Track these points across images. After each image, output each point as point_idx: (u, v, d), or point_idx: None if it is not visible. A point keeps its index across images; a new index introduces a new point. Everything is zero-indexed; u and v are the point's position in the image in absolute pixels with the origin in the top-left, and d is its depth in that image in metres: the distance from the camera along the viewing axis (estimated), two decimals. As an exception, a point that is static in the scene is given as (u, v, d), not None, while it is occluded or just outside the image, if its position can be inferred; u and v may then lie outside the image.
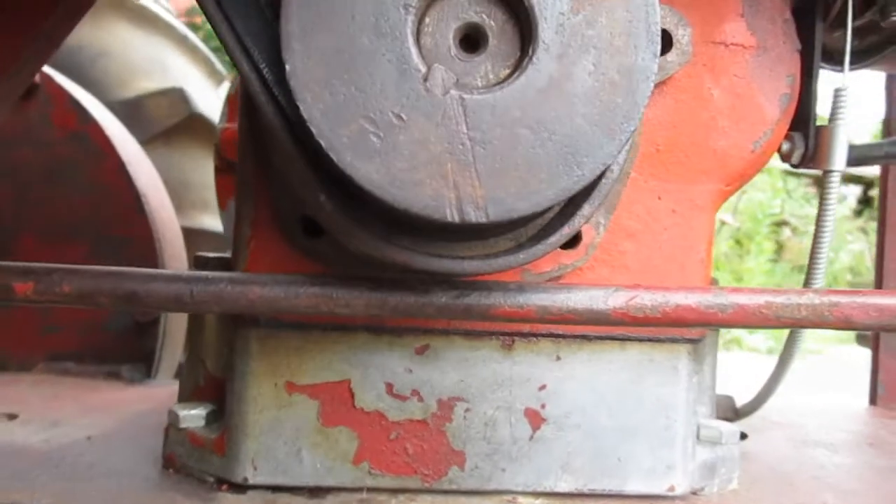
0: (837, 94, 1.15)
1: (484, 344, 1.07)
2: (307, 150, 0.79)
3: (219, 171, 1.65)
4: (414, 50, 0.73)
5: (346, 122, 0.72)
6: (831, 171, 1.16)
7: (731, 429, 1.17)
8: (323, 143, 0.72)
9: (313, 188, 0.81)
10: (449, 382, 1.06)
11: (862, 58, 1.35)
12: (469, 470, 1.07)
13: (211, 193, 1.89)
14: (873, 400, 1.96)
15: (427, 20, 0.75)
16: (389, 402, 1.06)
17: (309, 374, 1.06)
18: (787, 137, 1.16)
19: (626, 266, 1.08)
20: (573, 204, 0.85)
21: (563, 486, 1.08)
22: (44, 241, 1.89)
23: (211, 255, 1.20)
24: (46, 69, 1.95)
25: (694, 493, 1.12)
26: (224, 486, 1.08)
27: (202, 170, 2.35)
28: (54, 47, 1.07)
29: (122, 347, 1.91)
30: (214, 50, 2.80)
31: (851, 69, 1.38)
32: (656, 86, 1.05)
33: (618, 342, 1.08)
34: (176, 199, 2.32)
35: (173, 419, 1.14)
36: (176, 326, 1.98)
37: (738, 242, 8.40)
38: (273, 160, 0.98)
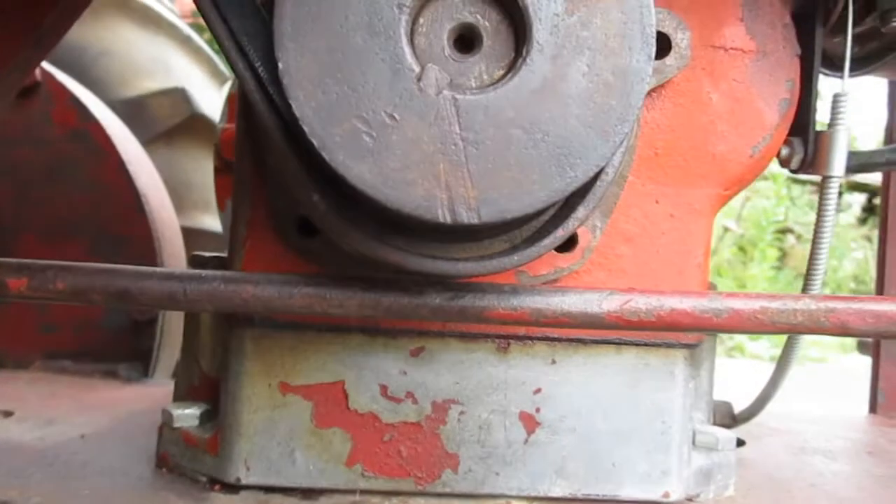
0: (837, 99, 1.15)
1: (479, 346, 1.06)
2: (301, 149, 0.79)
3: (218, 171, 1.65)
4: (407, 49, 0.73)
5: (339, 121, 0.72)
6: (830, 177, 1.16)
7: (727, 435, 1.17)
8: (315, 142, 0.72)
9: (307, 188, 0.81)
10: (443, 385, 1.06)
11: (863, 64, 1.35)
12: (463, 473, 1.06)
13: (212, 193, 1.88)
14: (873, 408, 1.95)
15: (421, 20, 0.75)
16: (384, 404, 1.06)
17: (303, 374, 1.05)
18: (787, 142, 1.16)
19: (623, 270, 1.07)
20: (568, 206, 0.85)
21: (557, 491, 1.07)
22: (43, 240, 1.90)
23: (207, 254, 1.20)
24: (48, 67, 1.95)
25: (689, 499, 1.12)
26: (217, 486, 1.08)
27: (203, 170, 2.35)
28: (51, 46, 1.07)
29: (119, 346, 1.91)
30: (218, 51, 2.81)
31: (853, 75, 1.38)
32: (655, 89, 1.05)
33: (613, 346, 1.08)
34: (177, 199, 2.32)
35: (167, 418, 1.14)
36: (174, 326, 1.98)
37: (741, 249, 8.37)
38: (268, 160, 0.97)
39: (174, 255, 2.00)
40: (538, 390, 1.07)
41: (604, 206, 1.02)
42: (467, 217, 0.73)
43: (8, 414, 1.44)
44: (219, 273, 0.91)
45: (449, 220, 0.72)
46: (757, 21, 1.07)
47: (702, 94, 1.07)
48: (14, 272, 0.93)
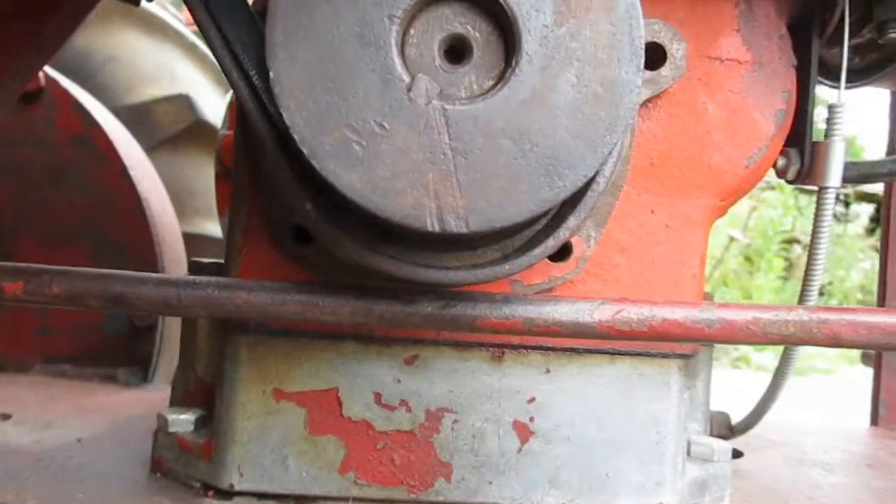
0: (833, 110, 1.15)
1: (473, 355, 1.06)
2: (293, 157, 0.79)
3: (219, 177, 1.66)
4: (398, 60, 0.74)
5: (329, 129, 0.72)
6: (827, 188, 1.16)
7: (722, 446, 1.16)
8: (305, 151, 0.72)
9: (299, 196, 0.81)
10: (437, 393, 1.06)
11: (864, 75, 1.35)
12: (456, 482, 1.06)
13: (214, 200, 1.89)
14: (874, 420, 1.94)
15: (412, 31, 0.75)
16: (377, 412, 1.06)
17: (297, 381, 1.06)
18: (783, 153, 1.16)
19: (618, 280, 1.07)
20: (559, 216, 0.85)
21: (550, 501, 1.07)
22: (45, 244, 1.91)
23: (205, 260, 1.21)
24: (52, 73, 1.97)
25: (683, 510, 1.12)
26: (210, 492, 1.08)
27: (206, 176, 2.36)
28: (53, 51, 1.08)
29: (119, 351, 1.92)
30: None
31: (854, 86, 1.38)
32: (651, 99, 1.05)
33: (608, 356, 1.08)
34: (180, 205, 2.33)
35: (162, 423, 1.14)
36: (173, 331, 1.99)
37: (747, 259, 8.35)
38: (263, 168, 0.98)
39: (175, 260, 2.01)
40: (532, 399, 1.07)
41: (598, 215, 1.02)
42: (455, 226, 0.73)
43: (6, 417, 1.45)
44: (213, 279, 0.92)
45: (437, 228, 0.73)
46: (753, 32, 1.08)
47: (697, 104, 1.07)
48: (10, 276, 0.93)
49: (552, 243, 0.84)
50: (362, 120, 0.73)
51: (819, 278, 1.18)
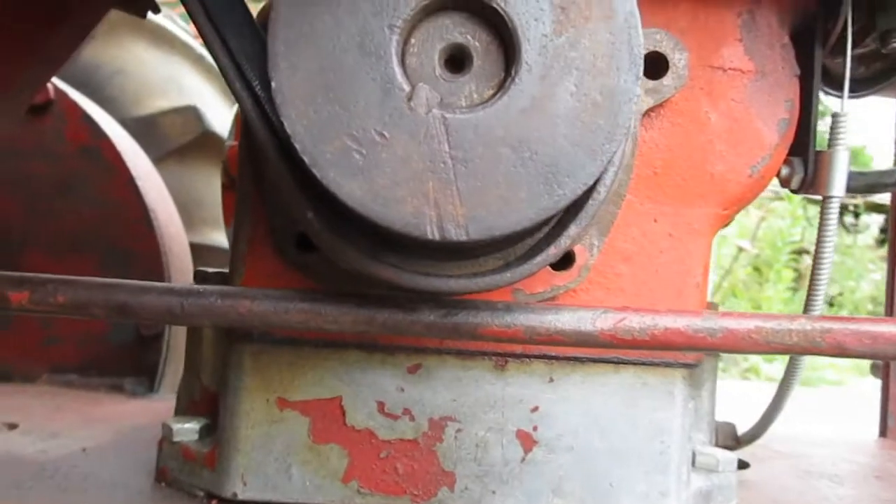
0: (836, 119, 1.14)
1: (476, 364, 1.06)
2: (295, 167, 0.80)
3: (225, 188, 1.67)
4: (398, 69, 0.74)
5: (330, 138, 0.73)
6: (831, 197, 1.15)
7: (728, 456, 1.16)
8: (306, 160, 0.73)
9: (301, 205, 0.82)
10: (441, 402, 1.06)
11: (868, 84, 1.35)
12: (459, 491, 1.06)
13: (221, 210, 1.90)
14: (883, 432, 1.92)
15: (413, 40, 0.76)
16: (380, 421, 1.06)
17: (301, 390, 1.06)
18: (787, 162, 1.15)
19: (621, 289, 1.07)
20: (561, 224, 0.85)
21: (553, 510, 1.07)
22: (52, 254, 1.92)
23: (210, 269, 1.22)
24: (61, 85, 1.99)
25: (688, 520, 1.11)
26: (214, 501, 1.08)
27: (214, 187, 2.38)
28: (60, 64, 1.09)
29: (125, 361, 1.93)
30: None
31: (859, 95, 1.38)
32: (653, 109, 1.05)
33: (611, 365, 1.07)
34: (188, 216, 2.34)
35: (167, 432, 1.15)
36: (180, 341, 1.99)
37: (756, 270, 8.32)
38: (266, 177, 0.99)
39: (182, 270, 2.02)
40: (535, 408, 1.07)
41: (600, 224, 1.02)
42: (455, 234, 0.73)
43: (12, 426, 1.45)
44: (216, 288, 0.92)
45: (437, 236, 0.73)
46: (755, 42, 1.08)
47: (700, 113, 1.08)
48: (16, 285, 0.94)
49: (553, 251, 0.84)
50: (363, 129, 0.73)
51: (824, 287, 1.18)
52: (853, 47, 1.17)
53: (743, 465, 1.46)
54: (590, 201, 0.83)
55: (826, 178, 1.15)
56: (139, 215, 1.93)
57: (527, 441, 1.06)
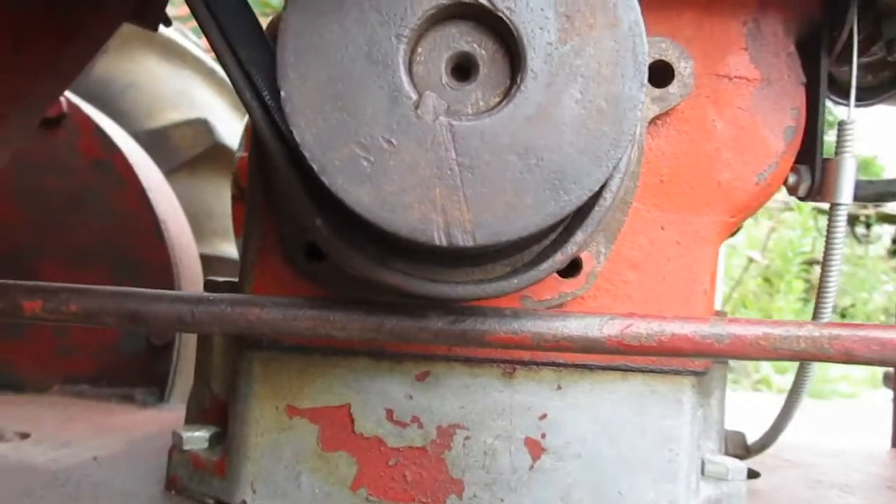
0: (843, 126, 1.15)
1: (485, 371, 1.07)
2: (304, 174, 0.81)
3: (235, 199, 1.68)
4: (405, 78, 0.75)
5: (338, 146, 0.74)
6: (839, 205, 1.15)
7: (737, 465, 1.15)
8: (315, 167, 0.74)
9: (310, 212, 0.83)
10: (449, 409, 1.06)
11: (877, 93, 1.35)
12: (467, 499, 1.06)
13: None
14: (895, 442, 1.91)
15: (420, 49, 0.77)
16: (389, 428, 1.06)
17: (310, 397, 1.07)
18: (794, 170, 1.16)
19: (628, 296, 1.08)
20: (567, 231, 0.86)
21: (562, 519, 1.07)
22: (65, 265, 1.94)
23: (220, 279, 1.23)
24: (74, 99, 2.01)
25: (697, 529, 1.11)
26: (223, 509, 1.09)
27: (224, 198, 2.39)
28: (73, 77, 1.11)
29: (136, 371, 1.94)
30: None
31: (868, 104, 1.38)
32: (659, 117, 1.06)
33: (620, 372, 1.08)
34: (199, 228, 2.36)
35: (177, 441, 1.15)
36: (190, 350, 2.01)
37: (767, 281, 8.29)
38: (276, 186, 1.00)
39: (192, 280, 2.04)
40: (544, 416, 1.07)
41: (607, 231, 1.02)
42: (462, 240, 0.74)
43: (24, 436, 1.47)
44: (226, 296, 0.93)
45: (445, 242, 0.74)
46: (761, 50, 1.08)
47: (706, 121, 1.08)
48: (29, 294, 0.95)
49: (560, 258, 0.85)
50: (371, 136, 0.74)
51: (833, 295, 1.18)
52: (860, 56, 1.17)
53: (753, 474, 1.45)
54: (596, 208, 0.83)
55: (833, 186, 1.15)
56: (150, 227, 1.95)
57: (535, 449, 1.07)
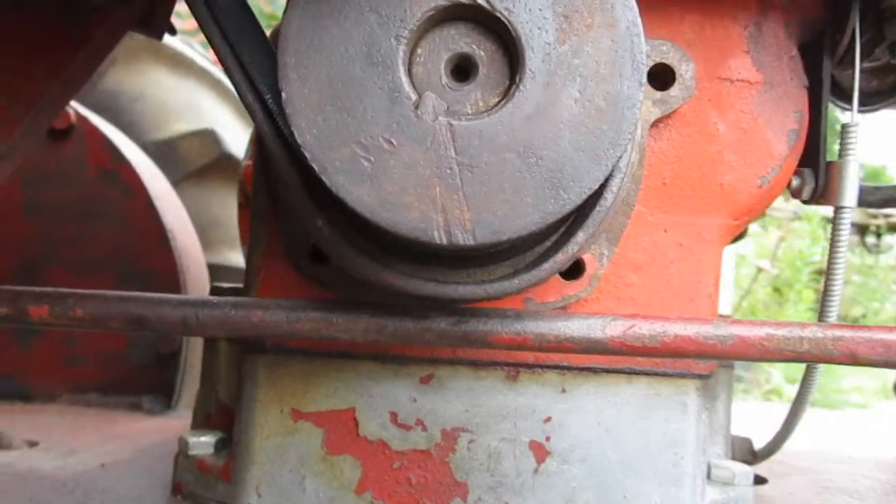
0: (846, 130, 1.14)
1: (489, 374, 1.07)
2: (306, 176, 0.81)
3: (241, 207, 1.69)
4: (405, 79, 0.76)
5: (339, 146, 0.75)
6: (842, 208, 1.15)
7: (744, 469, 1.15)
8: (316, 167, 0.74)
9: (312, 214, 0.83)
10: (453, 412, 1.06)
11: (883, 97, 1.35)
12: (472, 502, 1.06)
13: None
14: (904, 448, 1.90)
15: (420, 50, 0.78)
16: (393, 432, 1.06)
17: (314, 401, 1.07)
18: (797, 173, 1.16)
19: (632, 298, 1.08)
20: (568, 232, 0.86)
21: (567, 522, 1.06)
22: (73, 274, 1.96)
23: (225, 285, 1.24)
24: (83, 110, 2.03)
25: (703, 533, 1.10)
26: (229, 513, 1.09)
27: (232, 208, 2.40)
28: (79, 86, 1.12)
29: (143, 379, 1.95)
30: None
31: (872, 109, 1.38)
32: (661, 119, 1.06)
33: (624, 375, 1.07)
34: (206, 237, 2.37)
35: (183, 446, 1.16)
36: (197, 359, 2.02)
37: (776, 290, 8.25)
38: (279, 189, 1.00)
39: (199, 288, 2.05)
40: (548, 419, 1.07)
41: (610, 234, 1.03)
42: (462, 238, 0.74)
43: (33, 444, 1.47)
44: (230, 299, 0.93)
45: (445, 241, 0.74)
46: (763, 53, 1.09)
47: (709, 124, 1.08)
48: (36, 300, 0.96)
49: (561, 258, 0.85)
50: (371, 136, 0.75)
51: (838, 298, 1.17)
52: (863, 59, 1.17)
53: (760, 480, 1.44)
54: (597, 208, 0.83)
55: (837, 189, 1.15)
56: (157, 236, 1.96)
57: (539, 452, 1.06)
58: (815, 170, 1.16)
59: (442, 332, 0.89)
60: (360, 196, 0.74)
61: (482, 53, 0.78)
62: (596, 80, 0.75)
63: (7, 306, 0.95)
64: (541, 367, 1.07)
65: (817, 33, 1.14)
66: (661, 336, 0.90)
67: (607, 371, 1.07)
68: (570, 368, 1.07)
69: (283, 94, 0.75)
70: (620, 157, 0.77)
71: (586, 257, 1.02)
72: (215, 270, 2.37)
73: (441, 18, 0.77)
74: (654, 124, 1.06)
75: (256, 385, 1.08)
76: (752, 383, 6.75)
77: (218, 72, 2.73)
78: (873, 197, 1.55)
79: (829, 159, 1.16)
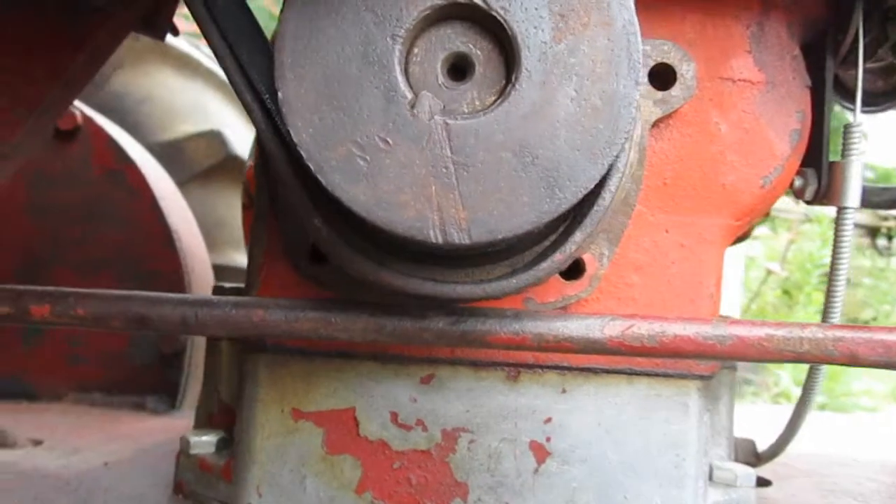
0: (849, 130, 1.14)
1: (489, 375, 1.07)
2: (303, 175, 0.82)
3: (245, 207, 1.69)
4: (401, 78, 0.76)
5: (335, 145, 0.75)
6: (845, 209, 1.15)
7: (747, 471, 1.14)
8: (312, 166, 0.75)
9: (310, 213, 0.83)
10: (454, 413, 1.06)
11: (889, 98, 1.34)
12: (472, 502, 1.06)
13: (244, 232, 1.93)
14: (911, 451, 1.88)
15: (416, 50, 0.78)
16: (394, 431, 1.06)
17: (315, 401, 1.07)
18: (800, 173, 1.15)
19: (633, 299, 1.07)
20: (567, 232, 0.86)
21: (567, 523, 1.06)
22: (78, 274, 1.97)
23: (228, 285, 1.24)
24: (89, 112, 2.04)
25: (705, 535, 1.09)
26: (229, 512, 1.09)
27: (237, 209, 2.41)
28: (80, 87, 1.13)
29: (147, 379, 1.96)
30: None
31: (880, 110, 1.37)
32: (662, 119, 1.06)
33: (625, 376, 1.07)
34: (212, 238, 2.38)
35: (184, 445, 1.16)
36: (201, 358, 2.02)
37: (786, 293, 8.20)
38: (279, 189, 1.01)
39: (203, 288, 2.05)
40: (548, 419, 1.07)
41: (610, 234, 1.02)
42: (458, 237, 0.74)
43: (37, 443, 1.48)
44: (229, 298, 0.94)
45: (440, 240, 0.74)
46: (765, 53, 1.08)
47: (710, 124, 1.08)
48: (37, 299, 0.97)
49: (559, 258, 0.85)
50: (367, 136, 0.75)
51: (841, 299, 1.17)
52: (867, 59, 1.17)
53: (764, 482, 1.44)
54: (595, 207, 0.83)
55: (840, 189, 1.14)
56: (162, 236, 1.97)
57: (540, 452, 1.06)
58: (817, 170, 1.16)
59: (440, 332, 0.89)
60: (356, 195, 0.74)
61: (478, 52, 0.78)
62: (592, 78, 0.75)
63: (9, 305, 0.96)
64: (541, 367, 1.06)
65: (820, 33, 1.14)
66: (660, 336, 0.90)
67: (608, 371, 1.07)
68: (570, 369, 1.07)
69: (280, 94, 0.76)
70: (618, 157, 0.77)
71: (586, 257, 1.01)
72: (221, 271, 2.38)
73: (437, 18, 0.77)
74: (656, 124, 1.05)
75: (257, 385, 1.08)
76: (761, 386, 6.72)
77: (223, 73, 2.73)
78: (880, 198, 1.54)
79: (832, 159, 1.16)
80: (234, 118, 2.70)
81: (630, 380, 1.07)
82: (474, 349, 1.00)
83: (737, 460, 1.30)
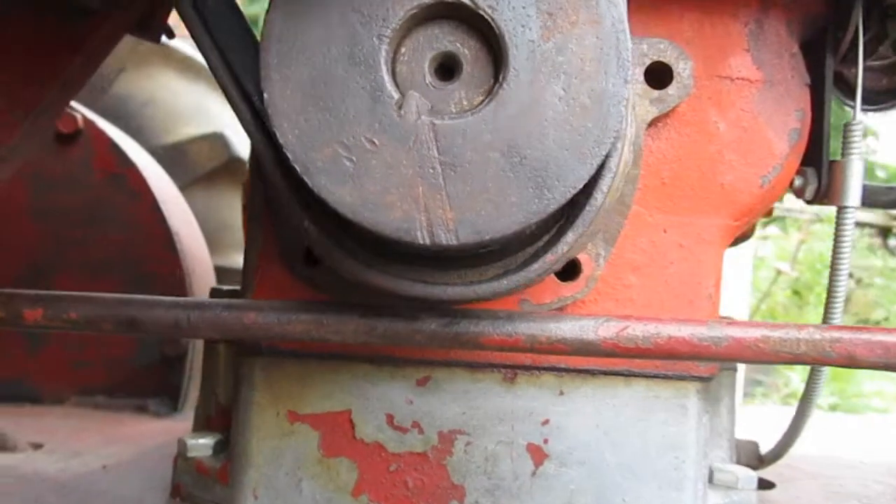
0: (849, 128, 1.12)
1: (486, 376, 1.06)
2: (291, 176, 0.81)
3: (245, 209, 1.69)
4: (387, 78, 0.75)
5: (321, 146, 0.74)
6: (846, 208, 1.13)
7: (748, 474, 1.13)
8: (298, 168, 0.74)
9: (299, 215, 0.83)
10: (450, 415, 1.06)
11: (892, 96, 1.33)
12: (469, 505, 1.05)
13: (248, 234, 1.93)
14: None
15: (403, 49, 0.77)
16: (390, 434, 1.06)
17: (310, 403, 1.07)
18: (800, 172, 1.14)
19: (631, 300, 1.06)
20: (559, 232, 0.85)
21: (565, 526, 1.05)
22: (80, 278, 1.97)
23: (225, 287, 1.24)
24: (90, 115, 2.05)
25: (705, 538, 1.08)
26: (225, 516, 1.09)
27: (240, 211, 2.42)
28: (77, 89, 1.13)
29: (150, 382, 1.96)
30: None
31: (883, 109, 1.36)
32: (660, 119, 1.05)
33: (622, 378, 1.06)
34: (215, 240, 2.38)
35: (182, 448, 1.16)
36: (203, 362, 2.03)
37: (796, 293, 8.16)
38: (270, 191, 1.00)
39: (204, 291, 2.05)
40: (546, 421, 1.06)
41: (606, 234, 1.02)
42: (445, 238, 0.74)
43: (37, 446, 1.48)
44: (222, 301, 0.93)
45: (427, 241, 0.74)
46: (763, 51, 1.07)
47: (708, 123, 1.07)
48: (30, 303, 0.97)
49: (550, 258, 0.84)
50: (353, 136, 0.74)
51: (842, 299, 1.16)
52: (867, 56, 1.15)
53: (767, 484, 1.42)
54: (587, 208, 0.82)
55: (840, 189, 1.13)
56: (163, 239, 1.97)
57: (537, 454, 1.05)
58: (817, 169, 1.14)
59: (433, 334, 0.88)
60: (343, 196, 0.74)
61: (466, 52, 0.77)
62: (580, 77, 0.74)
63: (2, 309, 0.95)
64: (538, 369, 1.06)
65: (819, 30, 1.12)
66: (655, 337, 0.89)
67: (605, 373, 1.06)
68: (567, 370, 1.06)
69: (266, 95, 0.75)
70: (609, 156, 0.76)
71: (582, 258, 1.01)
72: (225, 274, 2.38)
73: (424, 17, 0.76)
74: (652, 123, 1.04)
75: (253, 387, 1.08)
76: (770, 387, 6.69)
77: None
78: (886, 197, 1.52)
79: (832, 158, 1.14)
80: (237, 120, 2.70)
81: (628, 381, 1.06)
82: (469, 351, 0.99)
83: (739, 463, 1.29)
